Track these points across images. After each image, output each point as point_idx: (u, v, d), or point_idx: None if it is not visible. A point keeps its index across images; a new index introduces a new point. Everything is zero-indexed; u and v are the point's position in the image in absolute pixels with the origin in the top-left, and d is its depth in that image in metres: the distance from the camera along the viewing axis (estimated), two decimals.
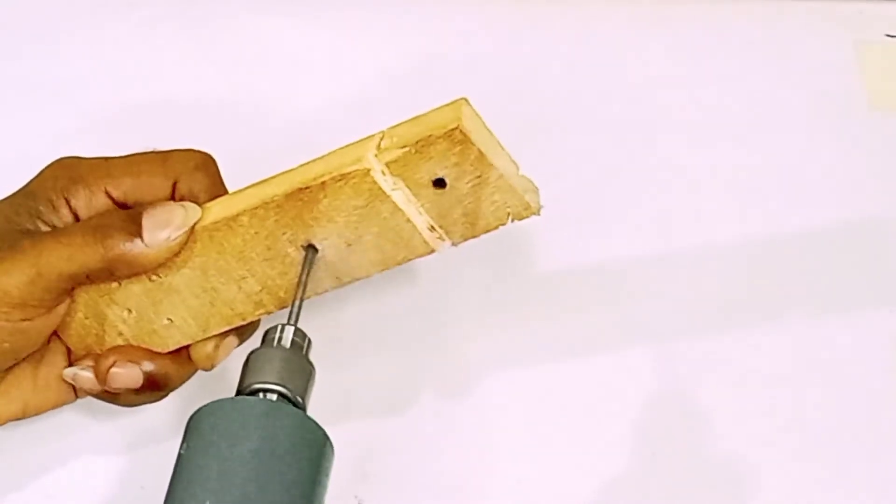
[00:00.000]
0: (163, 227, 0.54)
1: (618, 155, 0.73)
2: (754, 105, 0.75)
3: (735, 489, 0.63)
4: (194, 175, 0.56)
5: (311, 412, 0.53)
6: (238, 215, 0.54)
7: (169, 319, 0.57)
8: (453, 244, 0.55)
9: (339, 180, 0.52)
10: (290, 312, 0.54)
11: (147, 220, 0.54)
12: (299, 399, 0.52)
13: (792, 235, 0.71)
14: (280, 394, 0.52)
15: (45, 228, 0.56)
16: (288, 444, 0.50)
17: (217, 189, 0.56)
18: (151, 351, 0.57)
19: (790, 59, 0.76)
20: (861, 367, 0.67)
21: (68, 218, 0.56)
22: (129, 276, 0.56)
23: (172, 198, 0.56)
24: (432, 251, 0.54)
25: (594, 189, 0.72)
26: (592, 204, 0.71)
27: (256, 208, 0.53)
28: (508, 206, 0.53)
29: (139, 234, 0.54)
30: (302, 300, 0.55)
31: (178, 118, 0.73)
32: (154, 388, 0.57)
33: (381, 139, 0.52)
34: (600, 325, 0.67)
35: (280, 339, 0.54)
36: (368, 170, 0.52)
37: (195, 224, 0.54)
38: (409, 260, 0.55)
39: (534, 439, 0.64)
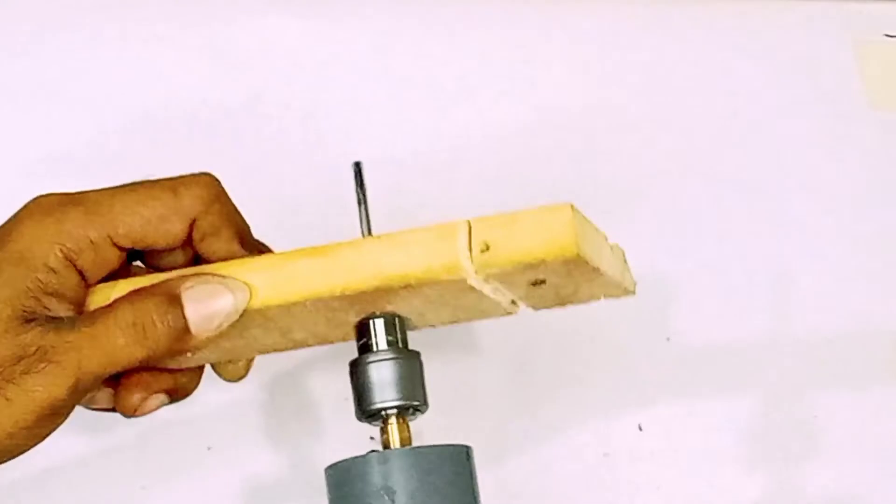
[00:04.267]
0: (211, 320, 0.48)
1: (618, 155, 0.73)
2: (754, 105, 0.75)
3: None
4: (211, 209, 0.50)
5: None
6: (298, 302, 0.48)
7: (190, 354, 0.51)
8: (533, 309, 0.51)
9: (427, 283, 0.47)
10: None
11: (192, 312, 0.48)
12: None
13: (790, 234, 0.71)
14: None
15: (54, 306, 0.48)
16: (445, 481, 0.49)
17: (232, 216, 0.51)
18: (170, 372, 0.52)
19: (790, 60, 0.76)
20: (861, 365, 0.67)
21: (75, 280, 0.49)
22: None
23: (190, 236, 0.50)
24: (509, 314, 0.51)
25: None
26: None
27: (323, 298, 0.48)
28: (605, 291, 0.50)
29: (186, 330, 0.48)
30: None
31: (176, 120, 0.71)
32: (174, 400, 0.53)
33: (471, 237, 0.46)
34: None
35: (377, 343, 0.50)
36: (465, 279, 0.47)
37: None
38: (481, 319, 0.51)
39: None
